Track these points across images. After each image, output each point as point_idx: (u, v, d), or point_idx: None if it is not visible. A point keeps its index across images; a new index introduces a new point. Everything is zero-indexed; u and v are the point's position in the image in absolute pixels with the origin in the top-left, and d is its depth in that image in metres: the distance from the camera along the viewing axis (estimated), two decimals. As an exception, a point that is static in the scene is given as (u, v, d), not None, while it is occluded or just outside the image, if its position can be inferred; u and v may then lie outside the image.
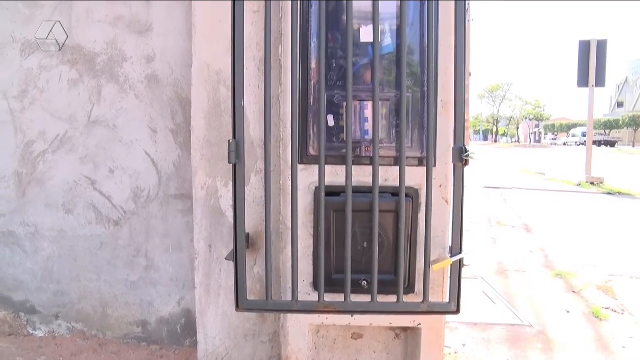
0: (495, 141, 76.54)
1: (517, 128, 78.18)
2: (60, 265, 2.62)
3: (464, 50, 1.74)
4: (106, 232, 2.56)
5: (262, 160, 1.99)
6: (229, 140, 1.74)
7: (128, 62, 2.46)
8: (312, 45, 1.83)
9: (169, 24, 2.40)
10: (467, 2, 1.80)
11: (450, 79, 1.80)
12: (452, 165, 1.79)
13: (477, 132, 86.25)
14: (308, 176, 1.85)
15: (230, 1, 1.77)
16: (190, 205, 2.40)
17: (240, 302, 1.83)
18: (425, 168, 1.75)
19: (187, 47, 2.33)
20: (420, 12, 1.86)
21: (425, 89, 1.80)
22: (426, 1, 1.77)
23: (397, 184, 1.75)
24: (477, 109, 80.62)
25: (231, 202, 2.06)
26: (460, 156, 1.75)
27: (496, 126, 78.43)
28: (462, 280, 1.84)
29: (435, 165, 1.82)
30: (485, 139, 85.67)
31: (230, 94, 2.03)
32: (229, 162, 1.74)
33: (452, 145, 1.78)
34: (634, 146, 44.86)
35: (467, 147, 1.76)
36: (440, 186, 1.90)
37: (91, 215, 2.57)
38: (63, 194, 2.58)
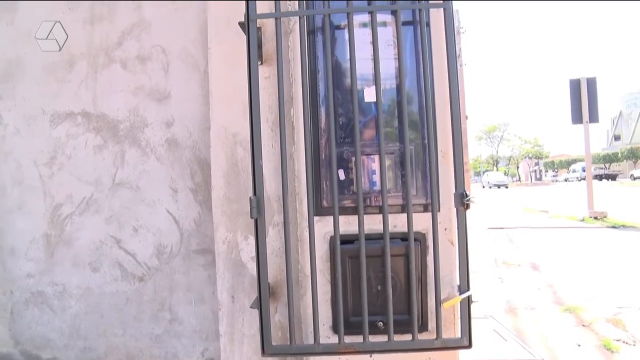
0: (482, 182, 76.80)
1: (517, 167, 78.46)
2: (87, 322, 2.75)
3: (458, 104, 1.92)
4: (131, 288, 2.70)
5: (279, 214, 2.17)
6: (250, 197, 1.90)
7: (149, 128, 2.66)
8: (321, 106, 2.02)
9: (186, 91, 2.62)
10: (457, 47, 2.00)
11: (447, 130, 1.98)
12: (455, 209, 1.95)
13: (477, 174, 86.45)
14: (323, 226, 2.01)
15: (246, 70, 1.97)
16: (210, 259, 2.55)
17: (266, 348, 1.96)
18: (430, 213, 1.92)
19: (203, 111, 2.54)
20: (416, 64, 2.05)
21: (426, 141, 1.98)
22: (421, 63, 1.97)
23: (405, 229, 1.91)
24: (476, 150, 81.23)
25: (251, 255, 2.22)
26: (462, 201, 1.91)
27: (496, 167, 78.69)
28: (473, 319, 1.96)
29: (439, 210, 1.99)
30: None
31: (246, 153, 2.22)
32: (251, 217, 1.90)
33: (454, 191, 1.94)
34: (634, 179, 44.78)
35: (467, 192, 1.92)
36: (445, 229, 2.05)
37: (116, 272, 2.71)
38: (89, 253, 2.73)
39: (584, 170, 16.35)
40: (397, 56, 1.99)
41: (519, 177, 78.25)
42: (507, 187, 49.72)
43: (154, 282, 2.68)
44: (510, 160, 78.32)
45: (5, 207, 2.79)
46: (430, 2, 2.02)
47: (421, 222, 1.99)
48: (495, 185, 51.61)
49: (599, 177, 47.95)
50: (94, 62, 2.70)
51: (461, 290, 1.95)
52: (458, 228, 1.95)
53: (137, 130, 2.67)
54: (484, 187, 54.54)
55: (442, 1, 1.98)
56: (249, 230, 2.24)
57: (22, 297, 2.79)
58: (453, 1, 1.99)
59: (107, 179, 2.70)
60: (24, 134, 2.78)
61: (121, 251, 2.70)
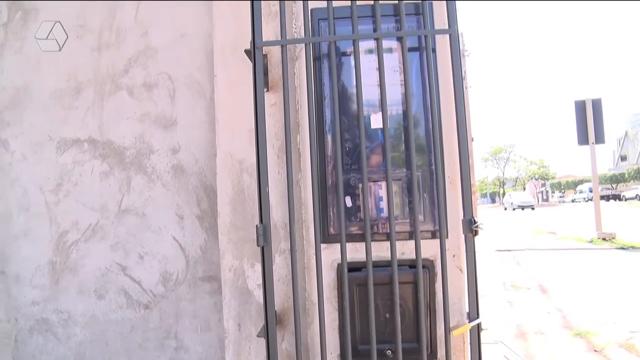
0: (503, 203, 76.37)
1: (524, 188, 78.22)
2: (92, 350, 2.72)
3: (465, 130, 1.92)
4: (137, 315, 2.68)
5: (286, 241, 2.15)
6: (257, 225, 1.89)
7: (155, 154, 2.66)
8: (328, 133, 2.02)
9: (192, 118, 2.62)
10: (462, 70, 2.00)
11: (455, 156, 1.97)
12: (464, 235, 1.93)
13: (484, 195, 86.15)
14: (330, 254, 1.99)
15: (253, 97, 1.97)
16: (217, 287, 2.53)
17: (273, 377, 1.93)
18: (438, 240, 1.90)
19: (209, 138, 2.54)
20: (423, 89, 2.05)
21: (433, 167, 1.97)
22: (427, 88, 1.96)
23: (413, 256, 1.89)
24: (482, 172, 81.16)
25: (257, 282, 2.20)
26: (470, 227, 1.89)
27: (503, 188, 78.49)
28: (483, 345, 1.94)
29: (447, 237, 1.98)
30: (493, 201, 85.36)
31: (252, 180, 2.21)
32: (258, 245, 1.89)
33: (462, 218, 1.92)
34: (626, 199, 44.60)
35: (475, 218, 1.90)
36: (454, 256, 2.03)
37: (122, 299, 2.69)
38: (95, 280, 2.72)
39: (591, 191, 16.28)
40: (403, 82, 1.98)
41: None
42: (533, 209, 44.83)
43: (160, 309, 2.66)
44: (516, 181, 78.15)
45: (11, 233, 2.79)
46: (435, 28, 2.03)
47: (429, 248, 1.97)
48: (519, 206, 46.06)
49: (607, 198, 47.67)
50: (101, 89, 2.72)
51: (470, 318, 1.92)
52: (467, 254, 1.93)
53: (143, 157, 2.67)
54: (505, 209, 50.08)
55: (447, 27, 1.99)
56: (255, 257, 2.22)
57: (26, 324, 2.77)
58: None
59: (113, 206, 2.69)
60: (30, 160, 2.78)
61: (127, 278, 2.69)
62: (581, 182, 64.03)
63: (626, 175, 56.16)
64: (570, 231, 14.60)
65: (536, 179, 74.72)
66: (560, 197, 73.10)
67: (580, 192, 57.05)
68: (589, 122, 12.03)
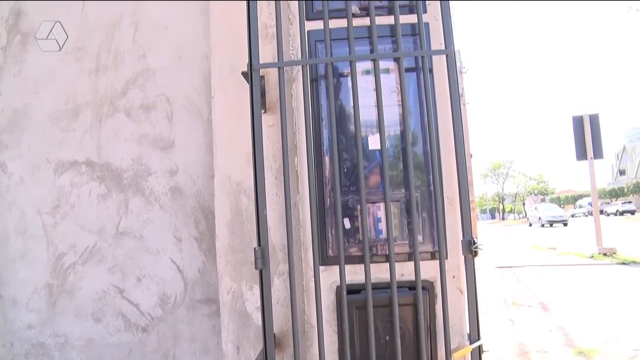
0: (503, 219, 76.06)
1: (524, 204, 78.13)
2: (89, 375, 2.69)
3: (463, 151, 1.91)
4: (134, 338, 2.65)
5: (284, 263, 2.14)
6: (254, 248, 1.88)
7: (153, 176, 2.65)
8: (325, 155, 2.02)
9: (190, 140, 2.62)
10: (460, 87, 2.00)
11: (453, 176, 1.96)
12: (463, 256, 1.91)
13: (483, 212, 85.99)
14: (329, 276, 1.98)
15: (249, 117, 1.97)
16: (215, 309, 2.50)
17: (272, 402, 1.90)
18: (438, 261, 1.88)
19: (207, 160, 2.53)
20: (420, 109, 2.05)
21: (432, 187, 1.96)
22: (425, 108, 1.96)
23: (413, 277, 1.88)
24: (482, 188, 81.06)
25: (256, 305, 2.18)
26: (470, 248, 1.88)
27: (502, 204, 78.39)
28: (484, 367, 1.91)
29: (447, 258, 1.96)
30: (493, 217, 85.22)
31: (250, 202, 2.20)
32: (256, 269, 1.88)
33: (462, 238, 1.91)
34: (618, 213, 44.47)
35: (475, 239, 1.89)
36: (454, 277, 2.01)
37: (119, 323, 2.66)
38: (92, 303, 2.69)
39: (591, 205, 16.26)
40: (400, 102, 1.98)
41: (526, 214, 77.83)
42: (565, 225, 35.32)
43: (158, 332, 2.63)
44: (516, 197, 78.07)
45: (8, 256, 2.77)
46: (432, 49, 2.03)
47: (429, 270, 1.96)
48: (549, 222, 36.46)
49: (606, 213, 47.57)
50: (99, 111, 2.72)
51: (471, 340, 1.90)
52: (467, 275, 1.91)
53: (140, 179, 2.66)
54: (531, 224, 41.16)
55: (444, 47, 1.99)
56: (254, 280, 2.21)
57: (22, 349, 2.73)
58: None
59: (111, 228, 2.68)
60: (28, 182, 2.77)
61: (124, 301, 2.66)
62: (580, 196, 64.06)
63: (625, 190, 56.22)
64: (571, 246, 14.54)
65: (535, 194, 74.67)
66: (560, 212, 72.93)
67: (580, 206, 56.93)
68: (586, 137, 12.03)
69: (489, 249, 14.59)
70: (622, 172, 69.38)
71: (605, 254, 11.28)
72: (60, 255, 2.72)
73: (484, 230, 32.67)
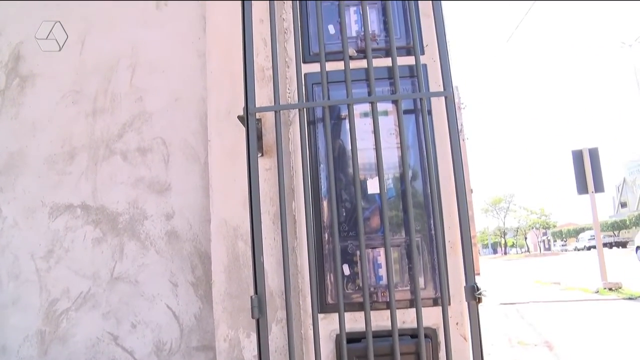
0: (505, 253, 75.54)
1: (525, 238, 77.77)
2: None
3: (464, 194, 1.87)
4: (128, 388, 2.56)
5: (282, 310, 2.07)
6: (251, 296, 1.82)
7: (149, 220, 2.61)
8: (324, 199, 1.98)
9: (186, 183, 2.59)
10: (459, 123, 1.97)
11: (455, 220, 1.92)
12: (467, 302, 1.85)
13: (485, 246, 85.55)
14: (328, 324, 1.91)
15: (246, 161, 1.94)
16: (212, 357, 2.42)
17: None
18: (440, 307, 1.82)
19: (204, 203, 2.49)
20: (419, 151, 2.02)
21: (433, 231, 1.92)
22: (424, 150, 1.93)
23: (415, 325, 1.82)
24: (483, 222, 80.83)
25: (254, 353, 2.11)
26: (473, 294, 1.82)
27: (504, 238, 78.03)
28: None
29: (450, 304, 1.90)
30: (495, 251, 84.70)
31: (247, 247, 2.15)
32: (253, 318, 1.82)
33: (464, 284, 1.85)
34: None
35: (478, 285, 1.84)
36: (457, 324, 1.95)
37: (113, 371, 2.58)
38: (85, 350, 2.61)
39: (593, 239, 16.14)
40: (399, 145, 1.96)
41: (528, 248, 77.37)
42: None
43: (153, 381, 2.55)
44: (517, 231, 77.74)
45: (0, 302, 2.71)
46: (430, 91, 2.02)
47: (431, 316, 1.90)
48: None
49: (609, 245, 47.22)
50: (95, 154, 2.69)
51: (477, 390, 1.83)
52: (470, 322, 1.85)
53: (136, 223, 2.62)
54: None
55: (442, 88, 1.98)
56: (251, 327, 2.14)
57: (12, 400, 2.65)
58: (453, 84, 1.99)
59: (105, 273, 2.62)
60: (22, 226, 2.73)
61: (118, 348, 2.58)
62: (582, 230, 63.73)
63: (627, 222, 55.94)
64: (575, 281, 14.36)
65: (537, 228, 74.38)
66: (562, 245, 72.61)
67: (582, 240, 56.60)
68: (587, 171, 12.02)
69: (492, 285, 14.40)
70: (623, 205, 69.27)
71: (610, 289, 11.12)
72: (54, 301, 2.66)
73: (486, 266, 32.39)
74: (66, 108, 2.76)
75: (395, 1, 2.14)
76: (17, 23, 2.87)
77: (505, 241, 78.41)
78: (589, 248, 46.28)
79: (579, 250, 51.65)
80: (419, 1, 2.10)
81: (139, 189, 2.63)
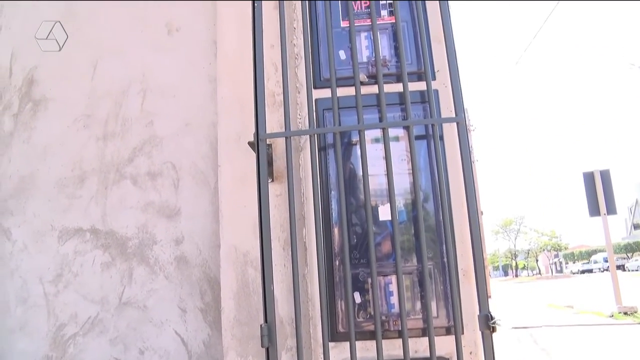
0: (516, 275, 74.83)
1: (537, 260, 76.99)
2: None
3: (477, 220, 1.85)
4: (135, 415, 2.53)
5: (292, 338, 2.04)
6: (261, 325, 1.79)
7: (158, 245, 2.59)
8: (334, 226, 1.96)
9: (196, 208, 2.58)
10: (470, 148, 1.95)
11: (467, 247, 1.89)
12: (480, 332, 1.82)
13: (496, 268, 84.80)
14: (339, 353, 1.88)
15: (256, 186, 1.93)
16: (220, 384, 2.39)
17: None
18: (454, 336, 1.78)
19: (213, 228, 2.48)
20: (431, 176, 2.00)
21: (445, 259, 1.89)
22: (436, 176, 1.91)
23: (427, 354, 1.78)
24: (494, 245, 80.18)
25: (263, 382, 2.07)
26: (487, 323, 1.78)
27: (515, 260, 77.30)
28: None
29: (463, 333, 1.85)
30: (506, 274, 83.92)
31: (257, 274, 2.13)
32: (262, 347, 1.79)
33: (478, 313, 1.81)
34: None
35: (492, 314, 1.80)
36: (471, 353, 1.91)
37: (120, 398, 2.55)
38: (92, 377, 2.59)
39: (606, 261, 15.93)
40: (410, 170, 1.94)
41: (539, 270, 76.53)
42: None
43: (160, 409, 2.51)
44: (528, 253, 76.99)
45: (7, 327, 2.69)
46: (442, 117, 2.00)
47: (444, 345, 1.86)
48: None
49: (622, 268, 46.61)
50: (105, 178, 2.69)
51: (492, 422, 1.78)
52: (485, 352, 1.81)
53: (145, 248, 2.60)
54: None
55: (454, 114, 1.96)
56: (260, 355, 2.10)
57: None
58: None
59: (114, 298, 2.60)
60: (31, 250, 2.72)
61: (126, 375, 2.55)
62: (595, 252, 63.03)
63: (641, 244, 55.35)
64: (589, 304, 14.15)
65: (548, 250, 73.66)
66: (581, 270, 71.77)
67: (595, 262, 55.89)
68: (598, 193, 11.92)
69: (504, 308, 14.23)
70: (636, 227, 68.56)
71: (626, 313, 10.94)
72: (61, 326, 2.64)
73: (498, 288, 32.03)
74: (77, 132, 2.78)
75: (406, 26, 2.14)
76: (31, 46, 2.90)
77: (516, 263, 77.68)
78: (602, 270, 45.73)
79: (583, 272, 51.06)
80: (430, 26, 2.10)
81: (148, 214, 2.62)
